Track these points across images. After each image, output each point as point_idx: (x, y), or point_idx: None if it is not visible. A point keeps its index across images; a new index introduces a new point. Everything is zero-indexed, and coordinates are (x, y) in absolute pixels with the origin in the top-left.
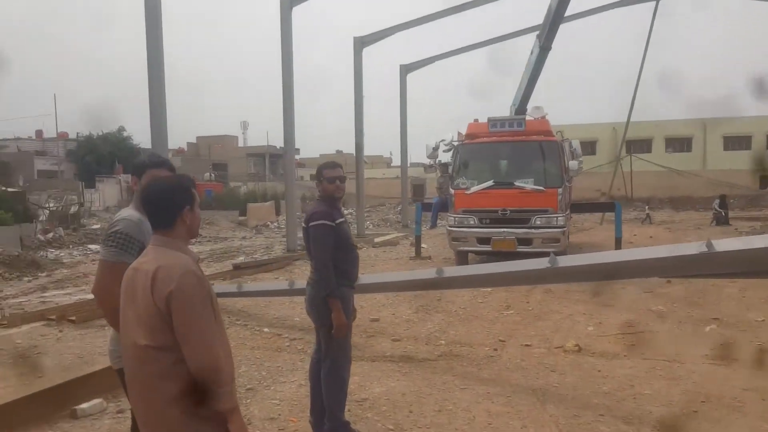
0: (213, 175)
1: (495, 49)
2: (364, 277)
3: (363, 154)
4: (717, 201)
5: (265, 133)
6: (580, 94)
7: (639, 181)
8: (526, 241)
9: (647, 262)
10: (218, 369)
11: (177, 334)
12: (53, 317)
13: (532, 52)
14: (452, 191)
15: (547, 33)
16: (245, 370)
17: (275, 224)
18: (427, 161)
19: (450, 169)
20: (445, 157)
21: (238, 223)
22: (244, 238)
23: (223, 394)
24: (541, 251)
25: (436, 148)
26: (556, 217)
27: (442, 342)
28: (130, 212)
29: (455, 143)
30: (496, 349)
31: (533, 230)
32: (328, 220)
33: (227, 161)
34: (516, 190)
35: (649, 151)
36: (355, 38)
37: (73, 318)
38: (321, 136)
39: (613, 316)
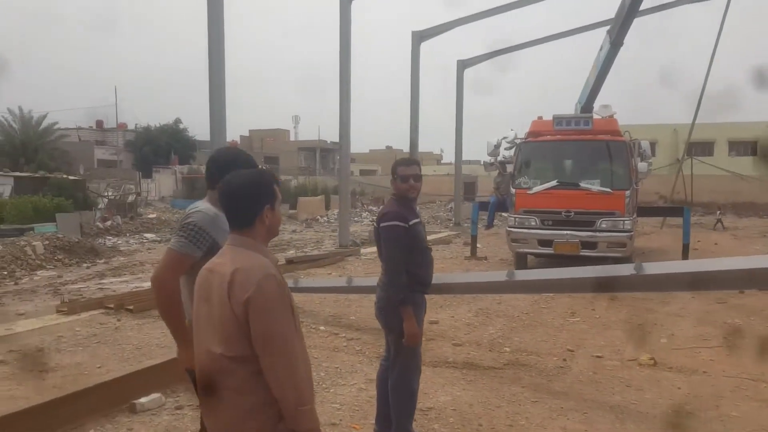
0: (265, 168)
1: (554, 45)
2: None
3: (418, 151)
4: None
5: (316, 127)
6: (639, 93)
7: (700, 185)
8: (590, 245)
9: (740, 272)
10: (299, 386)
11: (255, 344)
12: (111, 306)
13: (601, 48)
14: (513, 191)
15: (619, 28)
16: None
17: (325, 218)
18: (487, 159)
19: (511, 167)
20: (504, 155)
21: (288, 216)
22: (294, 231)
23: (304, 413)
24: (606, 255)
25: (498, 146)
26: (623, 220)
27: (507, 349)
28: (206, 205)
29: (518, 141)
30: (565, 360)
31: (598, 233)
32: (401, 221)
33: (279, 155)
34: (581, 191)
35: (711, 154)
36: (413, 32)
37: (131, 307)
38: (371, 131)
39: (686, 327)
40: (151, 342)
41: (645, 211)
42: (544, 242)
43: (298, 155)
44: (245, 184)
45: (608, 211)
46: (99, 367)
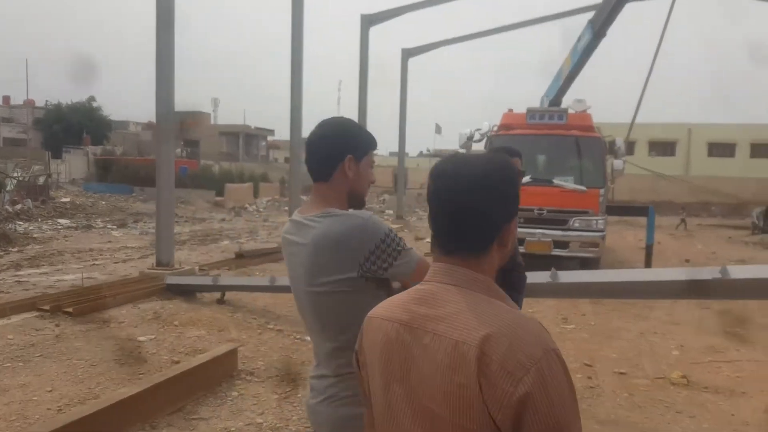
0: (184, 151)
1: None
2: None
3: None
4: (758, 211)
5: (235, 111)
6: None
7: (621, 184)
8: (562, 244)
9: None
10: None
11: None
12: (46, 308)
13: (579, 39)
14: None
15: (605, 18)
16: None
17: (254, 207)
18: (460, 151)
19: None
20: (474, 148)
21: (214, 203)
22: (223, 220)
23: None
24: (578, 256)
25: (470, 138)
26: (596, 220)
27: None
28: (363, 214)
29: (491, 134)
30: (590, 377)
31: (571, 233)
32: None
33: (199, 139)
34: (554, 188)
35: (631, 153)
36: (362, 15)
37: (70, 309)
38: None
39: (690, 337)
40: (107, 357)
41: (609, 210)
42: (520, 241)
43: (219, 140)
44: (485, 194)
45: (581, 210)
46: (50, 391)
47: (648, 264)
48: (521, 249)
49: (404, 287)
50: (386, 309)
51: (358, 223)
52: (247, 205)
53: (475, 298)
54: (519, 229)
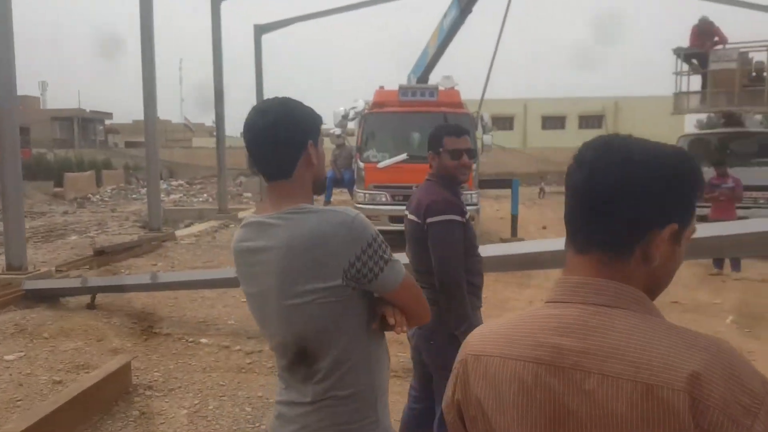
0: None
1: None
2: None
3: (224, 122)
4: None
5: (68, 95)
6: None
7: (503, 160)
8: None
9: None
10: None
11: None
12: None
13: (446, 16)
14: (361, 164)
15: None
16: (230, 409)
17: (98, 197)
18: (334, 130)
19: (349, 140)
20: (335, 129)
21: (53, 195)
22: (66, 213)
23: None
24: None
25: (345, 116)
26: (471, 194)
27: None
28: (347, 210)
29: (365, 112)
30: None
31: None
32: (458, 214)
33: (29, 125)
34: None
35: (563, 127)
36: None
37: None
38: (136, 100)
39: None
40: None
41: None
42: (396, 218)
43: (51, 125)
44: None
45: None
46: None
47: (514, 234)
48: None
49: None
50: (502, 343)
51: (342, 220)
52: (90, 195)
53: (644, 321)
54: (399, 207)
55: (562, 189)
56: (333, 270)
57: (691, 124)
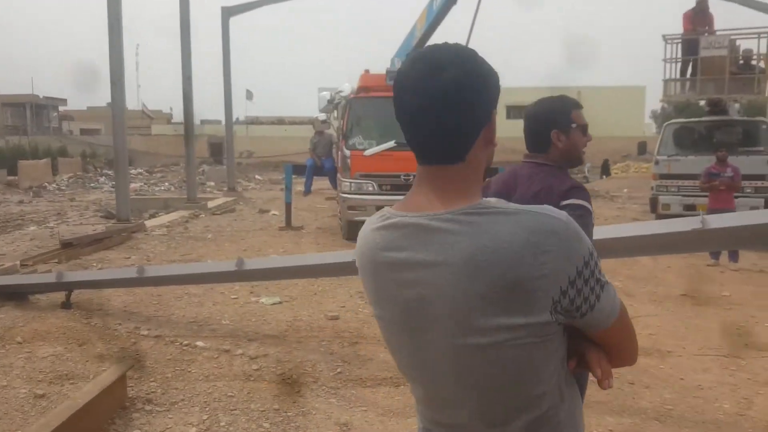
0: None
1: None
2: (284, 260)
3: (192, 106)
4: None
5: (21, 80)
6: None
7: None
8: None
9: None
10: None
11: None
12: None
13: None
14: (347, 152)
15: None
16: (245, 425)
17: (54, 185)
18: (320, 115)
19: (329, 127)
20: (319, 114)
21: (6, 184)
22: (21, 202)
23: None
24: None
25: (331, 101)
26: None
27: None
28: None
29: (350, 97)
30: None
31: None
32: (589, 202)
33: None
34: None
35: None
36: None
37: None
38: (93, 85)
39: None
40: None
41: None
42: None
43: (3, 111)
44: None
45: None
46: None
47: None
48: None
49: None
50: None
51: (550, 227)
52: (46, 184)
53: None
54: (387, 197)
55: None
56: (538, 299)
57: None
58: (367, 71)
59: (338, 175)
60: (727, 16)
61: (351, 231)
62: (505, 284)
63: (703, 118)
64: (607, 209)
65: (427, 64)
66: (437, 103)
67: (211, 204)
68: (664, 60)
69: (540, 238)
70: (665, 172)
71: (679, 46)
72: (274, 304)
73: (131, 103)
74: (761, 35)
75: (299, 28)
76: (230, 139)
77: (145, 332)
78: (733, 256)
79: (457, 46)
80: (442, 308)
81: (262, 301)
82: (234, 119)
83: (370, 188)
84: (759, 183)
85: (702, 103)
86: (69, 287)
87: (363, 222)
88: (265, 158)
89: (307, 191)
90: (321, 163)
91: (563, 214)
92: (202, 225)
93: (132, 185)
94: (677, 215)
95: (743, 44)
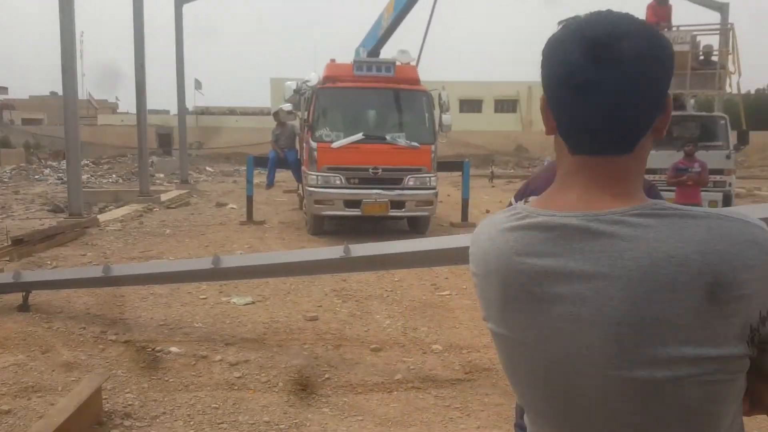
0: None
1: None
2: (234, 259)
3: (145, 95)
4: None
5: None
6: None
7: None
8: (398, 204)
9: None
10: None
11: None
12: None
13: None
14: (314, 144)
15: None
16: None
17: None
18: (284, 106)
19: (291, 118)
20: (283, 105)
21: None
22: None
23: None
24: (414, 215)
25: (298, 90)
26: (430, 177)
27: (439, 347)
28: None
29: (317, 87)
30: None
31: (407, 191)
32: None
33: None
34: (388, 145)
35: (479, 111)
36: None
37: None
38: (33, 73)
39: None
40: None
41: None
42: (351, 203)
43: None
44: None
45: (415, 167)
46: None
47: (465, 218)
48: (357, 212)
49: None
50: None
51: (753, 236)
52: None
53: None
54: (355, 191)
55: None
56: (734, 326)
57: None
58: (332, 60)
59: (303, 167)
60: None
61: (317, 226)
62: (694, 305)
63: None
64: None
65: (603, 32)
66: (615, 79)
67: (164, 197)
68: None
69: (740, 249)
70: None
71: None
72: (247, 304)
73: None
74: (721, 32)
75: (248, 18)
76: (183, 129)
77: (113, 337)
78: None
79: (630, 16)
80: (602, 331)
81: (233, 301)
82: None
83: (338, 182)
84: (718, 177)
85: None
86: (27, 288)
87: (330, 217)
88: (216, 149)
89: (270, 184)
90: (284, 156)
91: (761, 222)
92: (158, 219)
93: None
94: None
95: (703, 40)
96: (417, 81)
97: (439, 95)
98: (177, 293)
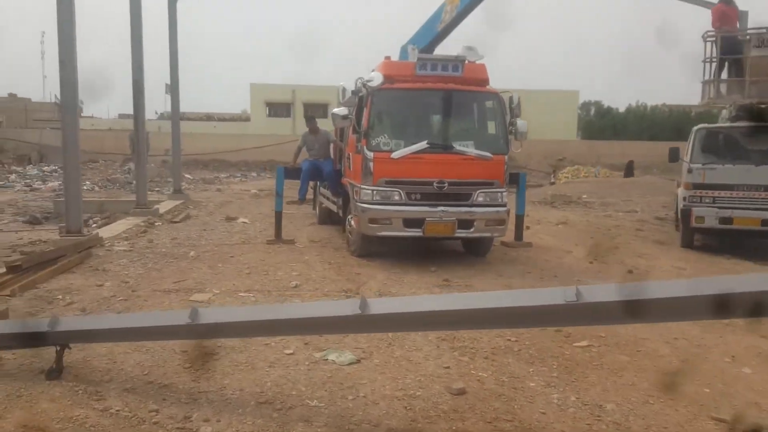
0: None
1: None
2: (381, 303)
3: (144, 98)
4: None
5: None
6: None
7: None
8: (466, 224)
9: None
10: None
11: None
12: None
13: None
14: (369, 154)
15: None
16: None
17: None
18: (338, 110)
19: (358, 122)
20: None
21: None
22: None
23: None
24: (483, 236)
25: (357, 92)
26: (502, 192)
27: None
28: None
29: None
30: None
31: (476, 209)
32: None
33: None
34: (455, 155)
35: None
36: None
37: None
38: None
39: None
40: None
41: None
42: (413, 222)
43: None
44: None
45: (487, 181)
46: None
47: (519, 237)
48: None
49: None
50: None
51: None
52: None
53: None
54: (417, 208)
55: None
56: None
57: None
58: (388, 58)
59: (349, 180)
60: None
61: (365, 247)
62: None
63: (737, 124)
64: (603, 217)
65: None
66: None
67: (161, 209)
68: (704, 60)
69: None
70: (699, 182)
71: (711, 44)
72: (352, 363)
73: (35, 94)
74: None
75: (222, 22)
76: (177, 133)
77: (205, 426)
78: None
79: None
80: None
81: (331, 359)
82: (156, 114)
83: (397, 197)
84: None
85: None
86: (68, 339)
87: (382, 237)
88: (192, 156)
89: (302, 198)
90: (321, 165)
91: None
92: (167, 236)
93: (49, 184)
94: (713, 229)
95: None
96: (487, 82)
97: (510, 98)
98: (249, 345)
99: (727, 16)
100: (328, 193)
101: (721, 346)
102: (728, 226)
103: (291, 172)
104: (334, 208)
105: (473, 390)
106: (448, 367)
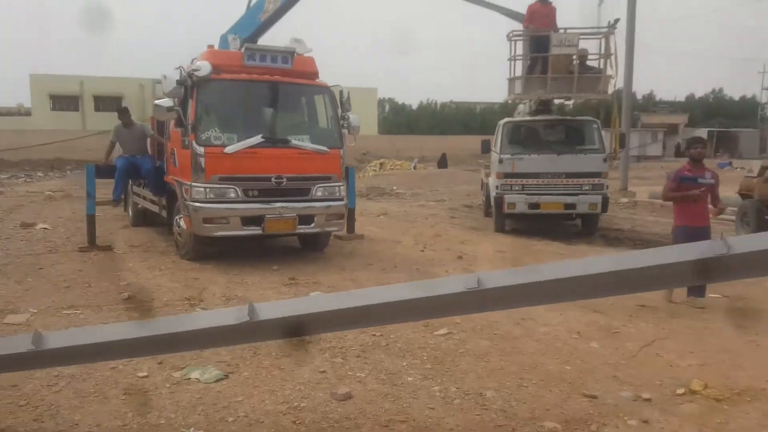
0: None
1: None
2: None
3: None
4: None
5: None
6: None
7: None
8: (307, 219)
9: None
10: None
11: None
12: None
13: None
14: (199, 149)
15: None
16: None
17: None
18: (162, 101)
19: (184, 114)
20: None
21: None
22: None
23: None
24: (323, 231)
25: (183, 82)
26: (339, 186)
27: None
28: None
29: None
30: None
31: (316, 204)
32: None
33: None
34: (292, 149)
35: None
36: None
37: None
38: None
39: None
40: None
41: None
42: (251, 220)
43: None
44: None
45: (325, 176)
46: None
47: (351, 229)
48: (258, 230)
49: None
50: None
51: None
52: None
53: None
54: (256, 205)
55: None
56: None
57: None
58: (212, 47)
59: (174, 178)
60: None
61: (197, 249)
62: None
63: (538, 117)
64: (417, 207)
65: None
66: None
67: None
68: (509, 59)
69: None
70: (510, 171)
71: (520, 43)
72: (219, 380)
73: None
74: (604, 35)
75: None
76: None
77: None
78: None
79: None
80: None
81: (194, 377)
82: None
83: (233, 194)
84: (596, 180)
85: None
86: None
87: (218, 238)
88: None
89: (117, 199)
90: (141, 161)
91: None
92: None
93: None
94: (522, 213)
95: (580, 44)
96: (317, 75)
97: (341, 92)
98: (94, 372)
99: (539, 15)
100: (145, 192)
101: (565, 323)
102: (537, 211)
103: (103, 171)
104: (154, 208)
105: (358, 393)
106: (324, 371)
